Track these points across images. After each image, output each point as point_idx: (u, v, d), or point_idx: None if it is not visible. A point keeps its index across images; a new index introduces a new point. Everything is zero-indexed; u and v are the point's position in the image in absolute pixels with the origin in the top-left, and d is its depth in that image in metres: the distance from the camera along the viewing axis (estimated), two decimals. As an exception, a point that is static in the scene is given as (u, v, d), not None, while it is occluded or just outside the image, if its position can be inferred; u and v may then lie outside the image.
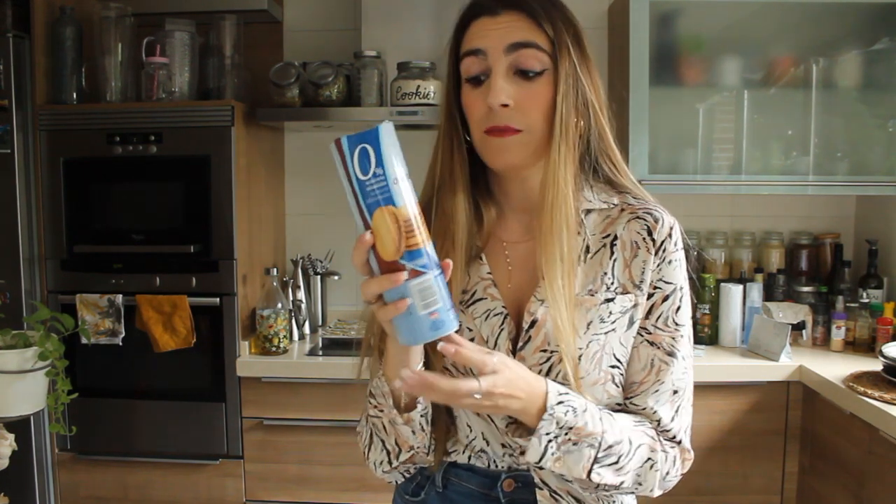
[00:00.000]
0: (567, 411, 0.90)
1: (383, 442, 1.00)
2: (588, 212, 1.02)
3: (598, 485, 0.94)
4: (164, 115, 2.38)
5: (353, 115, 2.49)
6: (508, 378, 0.87)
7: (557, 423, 0.89)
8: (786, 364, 2.28)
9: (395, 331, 0.84)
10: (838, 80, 2.50)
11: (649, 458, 0.97)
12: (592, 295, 0.98)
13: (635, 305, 1.00)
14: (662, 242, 1.00)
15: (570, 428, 0.90)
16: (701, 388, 2.25)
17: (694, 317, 2.55)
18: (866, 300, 2.46)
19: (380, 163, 0.79)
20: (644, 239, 1.00)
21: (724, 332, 2.50)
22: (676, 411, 1.02)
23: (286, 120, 2.56)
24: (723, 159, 2.56)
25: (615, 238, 1.01)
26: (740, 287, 2.49)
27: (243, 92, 2.56)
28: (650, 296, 1.00)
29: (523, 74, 0.95)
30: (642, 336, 1.01)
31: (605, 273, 0.99)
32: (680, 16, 2.51)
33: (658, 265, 1.00)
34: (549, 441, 0.89)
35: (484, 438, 1.02)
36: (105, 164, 2.41)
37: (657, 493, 1.00)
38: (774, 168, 2.54)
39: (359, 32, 2.62)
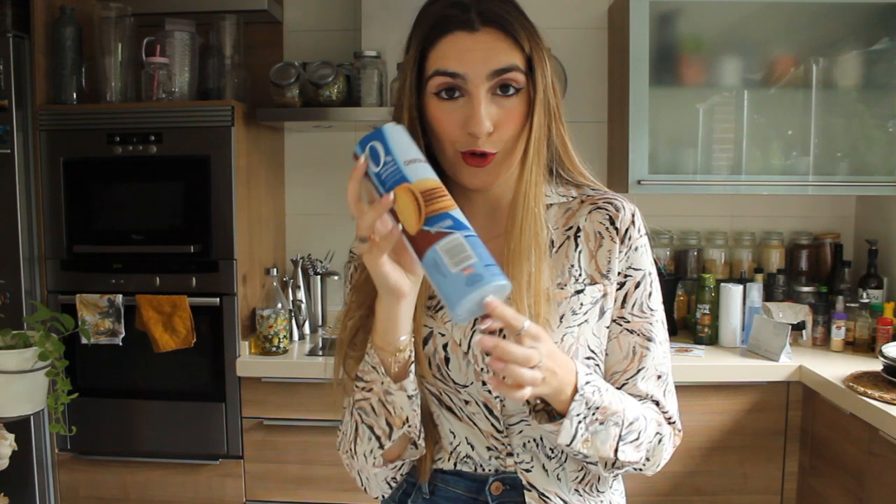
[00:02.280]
0: (594, 391, 0.90)
1: (371, 428, 0.97)
2: (548, 206, 1.02)
3: (616, 464, 0.95)
4: (164, 115, 2.38)
5: (353, 115, 2.49)
6: (550, 348, 0.85)
7: (586, 404, 0.89)
8: (786, 364, 2.28)
9: (441, 300, 0.82)
10: (838, 80, 2.50)
11: (657, 433, 0.98)
12: (562, 288, 0.99)
13: (605, 295, 1.00)
14: (626, 230, 1.01)
15: (598, 408, 0.90)
16: (701, 388, 2.27)
17: (693, 315, 2.55)
18: (866, 300, 2.46)
19: (388, 151, 0.83)
20: (607, 228, 1.01)
21: (724, 332, 2.49)
22: (664, 394, 1.02)
23: (286, 120, 2.56)
24: (723, 159, 2.56)
25: (578, 230, 1.02)
26: (740, 287, 2.49)
27: (243, 92, 2.56)
28: (622, 285, 1.01)
29: (503, 91, 0.93)
30: (620, 325, 1.01)
31: (572, 265, 1.00)
32: (680, 16, 2.51)
33: (625, 253, 1.01)
34: (580, 422, 0.89)
35: (468, 443, 1.02)
36: (105, 164, 2.41)
37: (650, 472, 1.02)
38: (774, 168, 2.54)
39: (359, 32, 2.62)
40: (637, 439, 0.94)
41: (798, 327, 2.50)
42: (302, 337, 2.65)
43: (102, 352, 2.41)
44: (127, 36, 2.44)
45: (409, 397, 0.94)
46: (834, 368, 2.19)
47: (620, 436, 0.92)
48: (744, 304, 2.50)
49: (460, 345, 0.98)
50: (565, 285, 0.99)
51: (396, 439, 0.96)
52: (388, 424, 0.96)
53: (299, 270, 2.72)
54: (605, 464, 0.95)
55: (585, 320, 0.99)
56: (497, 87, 0.93)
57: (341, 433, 1.04)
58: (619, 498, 1.10)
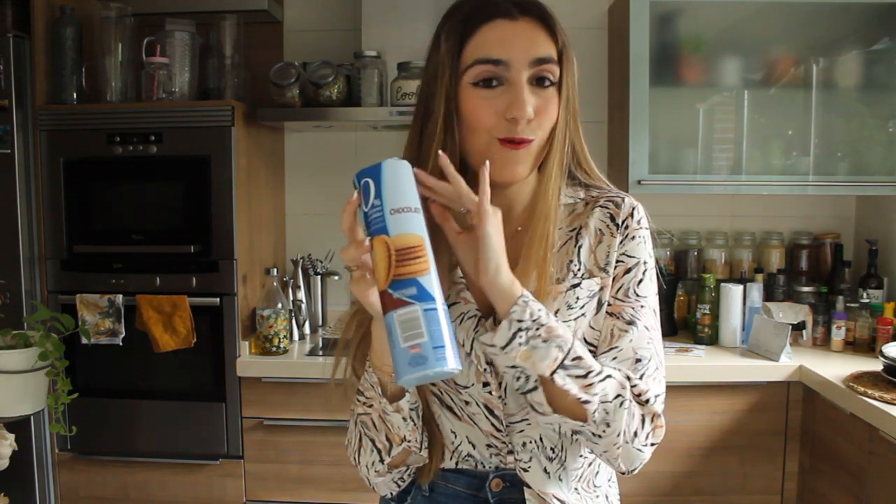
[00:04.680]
0: (539, 308, 0.88)
1: (373, 441, 0.98)
2: None
3: (564, 407, 0.89)
4: (164, 115, 2.38)
5: (353, 115, 2.49)
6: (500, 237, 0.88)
7: (530, 315, 0.86)
8: (786, 364, 2.28)
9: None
10: (838, 80, 2.50)
11: (619, 395, 0.90)
12: (559, 283, 0.99)
13: (602, 288, 1.00)
14: (624, 221, 1.01)
15: (542, 325, 0.86)
16: (701, 388, 2.27)
17: (693, 315, 2.55)
18: (866, 300, 2.46)
19: (378, 194, 0.82)
20: (608, 225, 1.01)
21: (724, 332, 2.49)
22: (640, 377, 0.94)
23: (286, 120, 2.56)
24: (723, 159, 2.56)
25: (580, 228, 1.02)
26: (740, 287, 2.49)
27: (243, 92, 2.56)
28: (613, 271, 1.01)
29: (540, 83, 0.94)
30: (606, 310, 1.00)
31: (571, 261, 1.00)
32: (680, 16, 2.51)
33: (621, 241, 1.01)
34: (519, 330, 0.86)
35: (469, 442, 1.02)
36: (105, 164, 2.41)
37: (623, 463, 0.93)
38: (774, 168, 2.54)
39: (359, 32, 2.62)
40: (585, 378, 0.88)
41: (798, 327, 2.50)
42: (302, 337, 2.65)
43: (102, 352, 2.41)
44: (127, 36, 2.44)
45: (405, 419, 0.94)
46: (834, 368, 2.19)
47: (563, 363, 0.87)
48: (744, 304, 2.50)
49: (462, 346, 0.98)
50: (563, 280, 0.99)
51: (397, 454, 0.97)
52: (388, 440, 0.97)
53: (299, 270, 2.72)
54: (550, 401, 0.89)
55: (582, 314, 0.99)
56: (535, 78, 0.94)
57: (347, 440, 1.05)
58: (614, 490, 1.10)
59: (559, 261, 1.00)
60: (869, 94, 2.51)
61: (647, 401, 0.93)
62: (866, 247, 2.61)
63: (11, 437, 1.75)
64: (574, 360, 0.88)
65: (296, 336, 2.62)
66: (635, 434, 0.91)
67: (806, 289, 2.63)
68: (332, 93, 2.47)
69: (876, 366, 2.13)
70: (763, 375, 2.28)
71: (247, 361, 2.40)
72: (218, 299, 2.40)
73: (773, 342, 2.34)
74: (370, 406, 0.96)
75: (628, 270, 1.00)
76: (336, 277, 2.82)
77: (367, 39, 2.58)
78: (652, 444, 0.94)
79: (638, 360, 0.95)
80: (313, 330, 2.74)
